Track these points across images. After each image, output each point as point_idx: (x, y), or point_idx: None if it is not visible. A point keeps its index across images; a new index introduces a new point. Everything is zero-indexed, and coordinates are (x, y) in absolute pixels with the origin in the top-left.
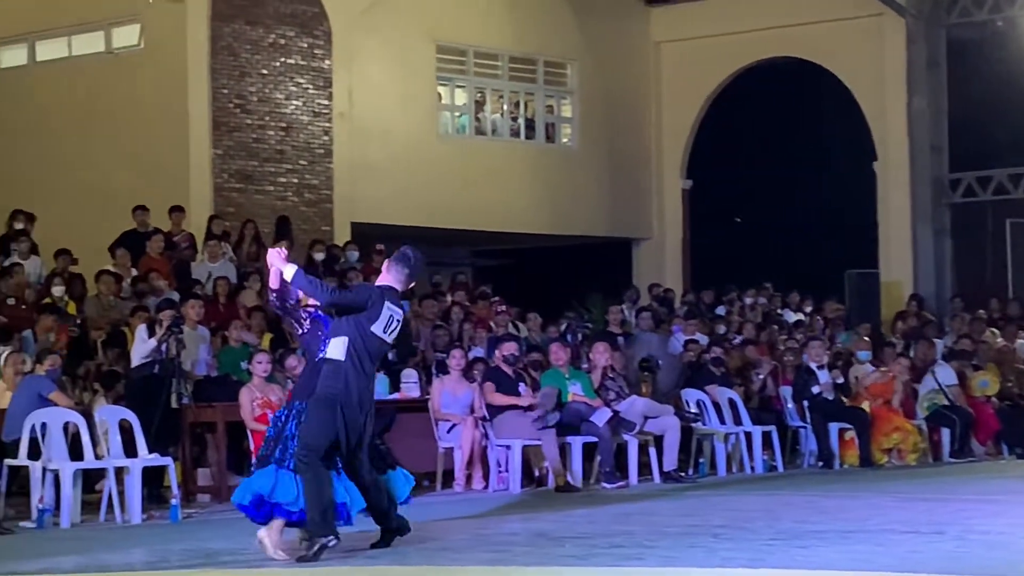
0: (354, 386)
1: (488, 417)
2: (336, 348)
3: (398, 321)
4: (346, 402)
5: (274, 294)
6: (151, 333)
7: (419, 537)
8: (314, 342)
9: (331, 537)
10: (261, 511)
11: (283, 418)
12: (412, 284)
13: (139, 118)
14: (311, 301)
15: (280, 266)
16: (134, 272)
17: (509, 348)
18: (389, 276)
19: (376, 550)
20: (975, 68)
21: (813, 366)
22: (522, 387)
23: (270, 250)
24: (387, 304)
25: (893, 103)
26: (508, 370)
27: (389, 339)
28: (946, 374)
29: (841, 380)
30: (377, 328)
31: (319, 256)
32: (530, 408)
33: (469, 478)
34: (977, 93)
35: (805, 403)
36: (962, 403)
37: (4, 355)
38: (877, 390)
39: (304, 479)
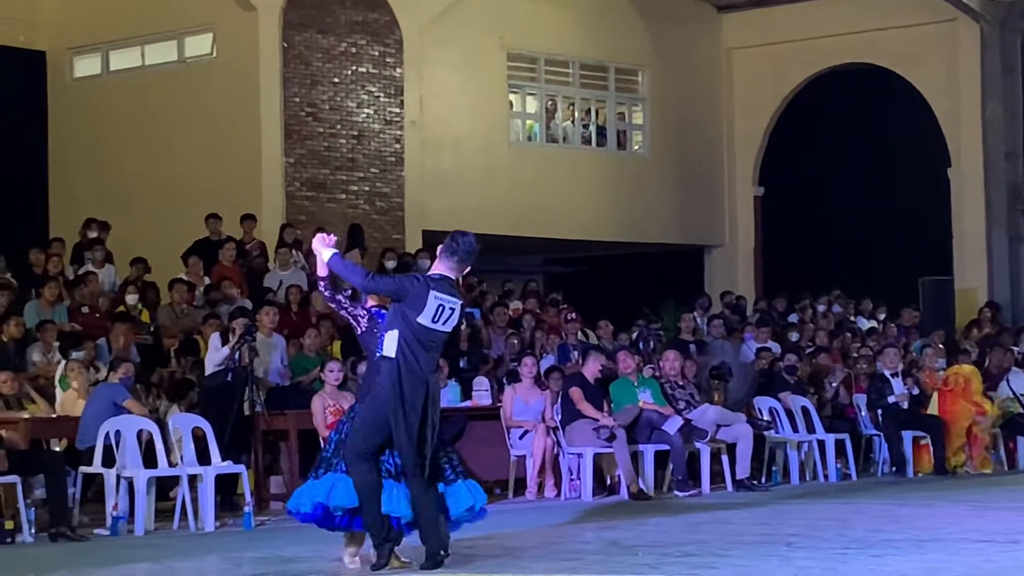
0: (407, 383)
1: (560, 425)
2: (389, 344)
3: (452, 309)
4: (398, 401)
5: (322, 283)
6: (224, 341)
7: (491, 546)
8: (372, 340)
9: (389, 543)
10: (331, 519)
11: (345, 423)
12: (466, 269)
13: (211, 127)
14: (370, 301)
15: (320, 249)
16: (207, 280)
17: (598, 363)
18: (440, 265)
19: (448, 558)
20: None
21: (887, 374)
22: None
23: (317, 235)
24: (434, 293)
25: (967, 109)
26: (592, 380)
27: (443, 328)
28: (1020, 381)
29: (916, 391)
30: (424, 319)
31: (390, 264)
32: (612, 437)
33: (541, 486)
34: None
35: (879, 411)
36: None
37: (64, 364)
38: (931, 384)
39: (352, 482)
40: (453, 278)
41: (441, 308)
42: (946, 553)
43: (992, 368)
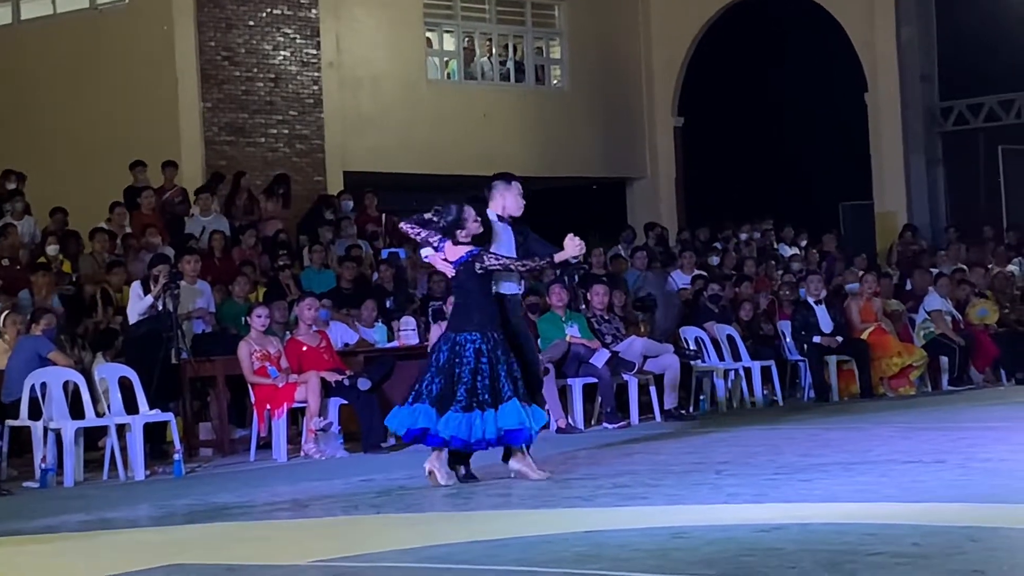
0: None
1: None
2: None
3: None
4: None
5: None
6: (146, 290)
7: (412, 482)
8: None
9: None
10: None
11: None
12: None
13: (127, 74)
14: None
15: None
16: (128, 229)
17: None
18: None
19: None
20: None
21: (811, 301)
22: None
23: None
24: None
25: (882, 33)
26: None
27: None
28: (931, 300)
29: (840, 340)
30: None
31: (329, 215)
32: (545, 372)
33: None
34: (966, 20)
35: (803, 344)
36: (943, 329)
37: (3, 315)
38: (867, 315)
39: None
40: None
41: None
42: (874, 475)
43: (916, 290)
